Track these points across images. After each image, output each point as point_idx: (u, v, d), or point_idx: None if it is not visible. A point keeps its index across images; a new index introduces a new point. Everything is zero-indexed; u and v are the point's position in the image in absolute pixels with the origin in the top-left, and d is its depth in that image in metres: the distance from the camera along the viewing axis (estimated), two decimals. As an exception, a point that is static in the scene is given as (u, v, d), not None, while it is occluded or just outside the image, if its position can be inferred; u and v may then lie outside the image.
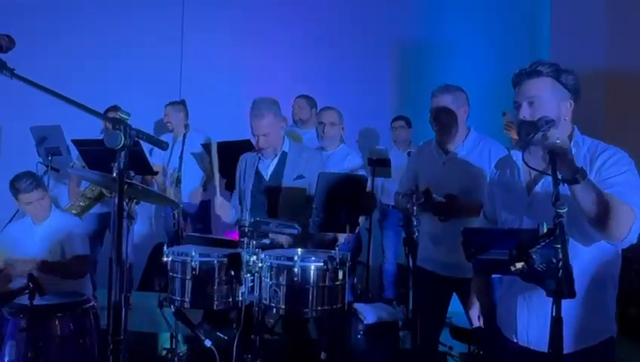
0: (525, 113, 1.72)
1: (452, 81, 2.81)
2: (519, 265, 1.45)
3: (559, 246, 1.35)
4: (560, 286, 1.33)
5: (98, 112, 1.42)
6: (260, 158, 2.96)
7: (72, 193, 4.59)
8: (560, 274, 1.33)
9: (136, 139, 1.42)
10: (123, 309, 1.59)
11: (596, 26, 4.36)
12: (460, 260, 2.34)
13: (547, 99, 1.71)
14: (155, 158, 4.68)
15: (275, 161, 2.93)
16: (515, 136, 3.73)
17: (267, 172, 2.93)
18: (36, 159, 4.44)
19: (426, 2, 5.42)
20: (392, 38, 5.46)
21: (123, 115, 1.41)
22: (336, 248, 2.33)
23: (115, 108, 4.45)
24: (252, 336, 2.34)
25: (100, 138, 4.42)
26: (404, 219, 2.13)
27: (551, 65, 1.74)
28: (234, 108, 5.45)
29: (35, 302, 2.40)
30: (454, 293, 2.74)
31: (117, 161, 1.41)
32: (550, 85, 1.72)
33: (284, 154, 2.93)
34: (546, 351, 1.67)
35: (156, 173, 4.41)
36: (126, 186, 2.09)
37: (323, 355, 2.59)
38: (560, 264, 1.34)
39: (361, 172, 3.33)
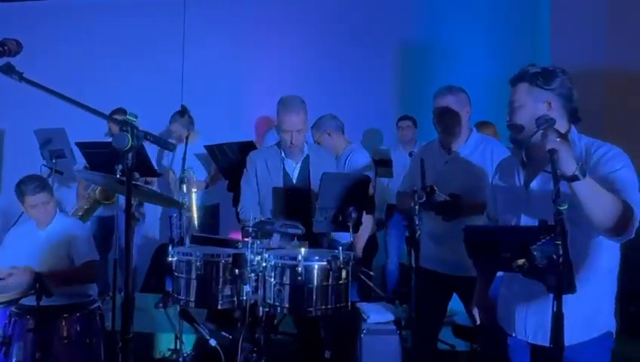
0: (507, 116, 1.88)
1: (454, 82, 2.84)
2: (521, 261, 1.48)
3: (560, 242, 1.38)
4: (560, 281, 1.35)
5: (106, 114, 1.45)
6: (284, 159, 2.96)
7: (80, 197, 4.62)
8: (561, 270, 1.35)
9: (144, 140, 1.44)
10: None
11: (596, 25, 4.37)
12: (461, 259, 2.37)
13: (521, 101, 1.83)
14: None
15: (300, 163, 2.95)
16: None
17: (294, 174, 2.95)
18: (40, 162, 4.47)
19: (428, 3, 5.45)
20: (394, 39, 5.49)
21: (130, 117, 1.44)
22: (340, 247, 2.34)
23: (121, 110, 4.48)
24: (257, 335, 2.35)
25: (104, 141, 4.45)
26: (407, 218, 2.15)
27: (528, 71, 1.83)
28: (235, 112, 5.51)
29: (42, 303, 2.42)
30: (455, 292, 2.77)
31: (124, 162, 1.43)
32: (525, 89, 1.83)
33: (307, 157, 2.96)
34: (543, 344, 1.73)
35: (160, 175, 4.43)
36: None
37: (327, 354, 2.61)
38: (561, 260, 1.36)
39: (367, 172, 3.34)
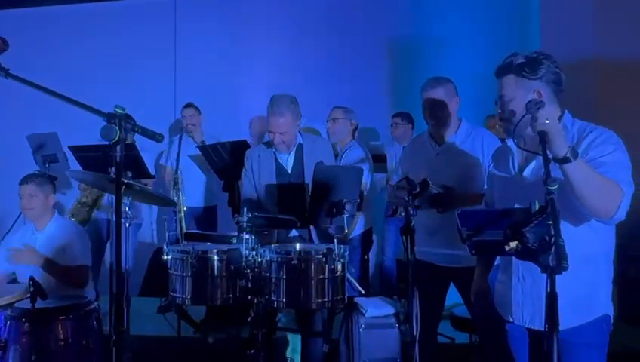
0: (499, 109, 1.87)
1: (446, 75, 2.82)
2: (513, 244, 1.48)
3: (551, 222, 1.38)
4: (553, 261, 1.35)
5: (94, 108, 1.44)
6: (275, 152, 2.97)
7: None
8: (553, 250, 1.35)
9: (132, 132, 1.44)
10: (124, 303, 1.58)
11: (585, 14, 4.40)
12: (456, 250, 2.38)
13: (511, 95, 1.81)
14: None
15: (293, 153, 2.96)
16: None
17: (288, 165, 2.96)
18: (33, 168, 4.44)
19: (417, -1, 5.47)
20: (384, 36, 5.49)
21: (118, 109, 1.44)
22: (335, 240, 2.33)
23: None
24: (254, 331, 2.35)
25: (96, 144, 4.43)
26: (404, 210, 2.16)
27: (513, 62, 1.82)
28: (228, 112, 5.50)
29: (37, 305, 2.41)
30: (452, 283, 2.76)
31: (113, 155, 1.43)
32: (513, 82, 1.81)
33: (300, 146, 2.96)
34: (540, 329, 1.72)
35: (153, 177, 4.41)
36: (123, 186, 2.11)
37: (325, 347, 2.60)
38: (552, 240, 1.36)
39: (362, 166, 3.33)
